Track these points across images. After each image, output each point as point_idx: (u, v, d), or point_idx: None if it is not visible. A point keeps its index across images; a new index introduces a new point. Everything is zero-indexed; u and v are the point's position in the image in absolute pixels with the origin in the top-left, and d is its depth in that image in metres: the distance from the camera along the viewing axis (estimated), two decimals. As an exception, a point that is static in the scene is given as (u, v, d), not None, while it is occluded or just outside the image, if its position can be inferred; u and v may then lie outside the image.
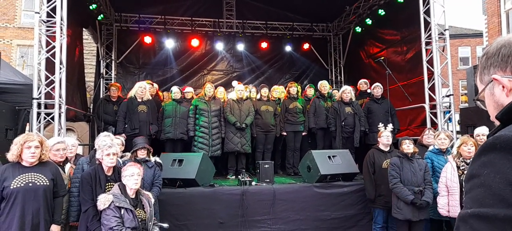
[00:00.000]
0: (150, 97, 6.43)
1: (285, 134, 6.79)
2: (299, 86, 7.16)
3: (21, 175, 3.22)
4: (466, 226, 0.75)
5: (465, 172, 3.98)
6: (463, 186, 4.00)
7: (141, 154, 4.34)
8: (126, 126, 6.03)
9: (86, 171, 3.62)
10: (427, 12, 6.40)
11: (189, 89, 7.01)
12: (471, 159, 3.91)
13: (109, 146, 3.61)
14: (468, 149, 4.05)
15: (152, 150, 4.57)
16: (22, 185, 3.19)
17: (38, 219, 3.23)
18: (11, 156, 3.23)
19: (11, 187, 3.15)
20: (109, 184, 3.56)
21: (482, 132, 4.75)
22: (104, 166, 3.61)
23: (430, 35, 6.39)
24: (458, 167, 4.10)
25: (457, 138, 5.20)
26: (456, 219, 0.79)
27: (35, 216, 3.21)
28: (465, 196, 0.81)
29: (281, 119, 6.78)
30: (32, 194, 3.21)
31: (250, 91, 7.24)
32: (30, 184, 3.22)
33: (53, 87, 5.37)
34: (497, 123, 0.89)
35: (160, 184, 4.40)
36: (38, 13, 5.41)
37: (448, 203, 4.13)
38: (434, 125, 6.31)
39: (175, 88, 6.72)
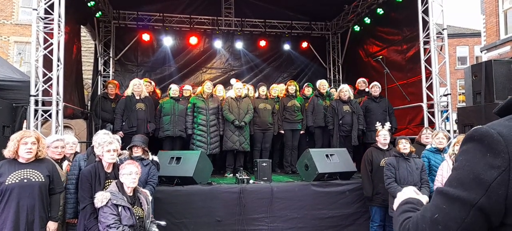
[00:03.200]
0: (148, 95, 6.42)
1: (283, 132, 6.79)
2: (297, 85, 7.16)
3: (17, 171, 3.21)
4: (434, 198, 0.90)
5: None
6: None
7: (136, 152, 4.33)
8: (124, 123, 6.02)
9: (86, 168, 3.61)
10: (426, 12, 6.41)
11: (187, 87, 7.02)
12: None
13: (109, 142, 3.60)
14: None
15: (148, 150, 4.54)
16: (17, 181, 3.18)
17: (33, 216, 3.22)
18: (7, 152, 3.23)
19: (6, 183, 3.14)
20: (108, 181, 3.56)
21: (479, 131, 4.75)
22: (104, 163, 3.60)
23: (428, 34, 6.40)
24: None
25: (454, 137, 5.21)
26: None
27: (30, 213, 3.20)
28: None
29: (279, 117, 6.78)
30: (28, 190, 3.20)
31: (248, 89, 7.24)
32: (25, 180, 3.21)
33: (51, 85, 5.36)
34: None
35: (155, 183, 4.37)
36: (36, 10, 5.38)
37: None
38: (431, 124, 6.33)
39: (174, 86, 6.72)
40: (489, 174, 0.79)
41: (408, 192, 1.18)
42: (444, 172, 4.18)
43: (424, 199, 1.16)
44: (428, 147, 4.90)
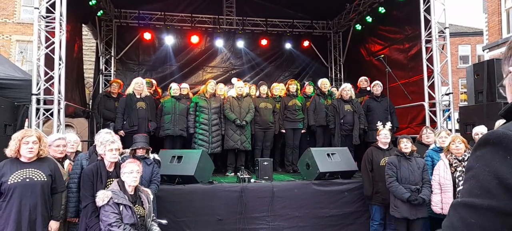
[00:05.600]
0: (148, 94, 6.42)
1: (284, 131, 6.79)
2: (298, 84, 7.16)
3: (19, 171, 3.21)
4: (455, 213, 0.82)
5: (458, 168, 4.00)
6: (456, 183, 4.04)
7: (140, 152, 4.34)
8: (125, 122, 6.03)
9: (88, 167, 3.62)
10: (428, 10, 6.39)
11: (184, 86, 7.03)
12: (461, 156, 3.93)
13: (111, 141, 3.61)
14: (456, 146, 4.09)
15: (151, 149, 4.55)
16: (19, 180, 3.18)
17: (36, 215, 3.23)
18: (9, 151, 3.23)
19: (9, 183, 3.15)
20: (110, 180, 3.57)
21: (480, 130, 4.75)
22: (106, 162, 3.61)
23: (430, 33, 6.38)
24: (450, 165, 4.13)
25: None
26: (449, 207, 0.87)
27: (33, 212, 3.21)
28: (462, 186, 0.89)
29: (280, 116, 6.78)
30: (30, 189, 3.21)
31: (250, 88, 7.24)
32: (28, 180, 3.22)
33: (52, 83, 5.37)
34: None
35: (158, 181, 4.40)
36: (38, 8, 5.40)
37: (442, 200, 4.16)
38: (433, 123, 6.31)
39: (174, 85, 6.72)
40: None
41: None
42: (440, 171, 4.19)
43: None
44: (432, 146, 4.89)
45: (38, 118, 5.29)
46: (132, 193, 3.41)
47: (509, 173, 0.74)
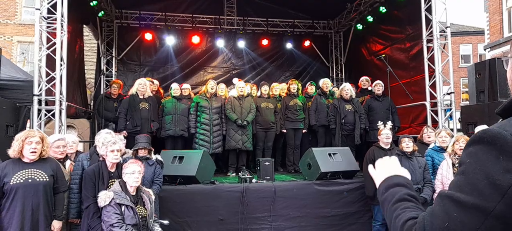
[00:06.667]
0: (151, 94, 6.43)
1: (285, 131, 6.79)
2: (299, 84, 7.15)
3: (21, 171, 3.23)
4: (440, 203, 0.83)
5: None
6: None
7: (142, 152, 4.34)
8: (128, 122, 6.03)
9: (90, 168, 3.62)
10: (429, 10, 6.38)
11: (186, 86, 7.03)
12: None
13: (113, 142, 3.61)
14: (459, 146, 4.09)
15: (153, 150, 4.56)
16: (21, 181, 3.20)
17: (38, 215, 3.25)
18: (12, 151, 3.25)
19: (11, 183, 3.16)
20: (112, 180, 3.57)
21: (482, 130, 4.74)
22: (108, 162, 3.61)
23: (431, 32, 6.37)
24: (453, 165, 4.12)
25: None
26: (437, 195, 0.88)
27: (35, 212, 3.23)
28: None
29: (281, 116, 6.78)
30: (32, 190, 3.22)
31: (251, 88, 7.24)
32: (30, 180, 3.23)
33: (54, 84, 5.38)
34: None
35: (160, 182, 4.40)
36: (39, 9, 5.41)
37: None
38: (435, 123, 6.31)
39: (175, 85, 6.73)
40: (506, 178, 0.73)
41: (390, 165, 1.09)
42: (443, 171, 4.18)
43: (406, 173, 1.09)
44: (431, 146, 4.89)
45: (40, 119, 5.31)
46: (134, 193, 3.41)
47: (500, 173, 0.74)
